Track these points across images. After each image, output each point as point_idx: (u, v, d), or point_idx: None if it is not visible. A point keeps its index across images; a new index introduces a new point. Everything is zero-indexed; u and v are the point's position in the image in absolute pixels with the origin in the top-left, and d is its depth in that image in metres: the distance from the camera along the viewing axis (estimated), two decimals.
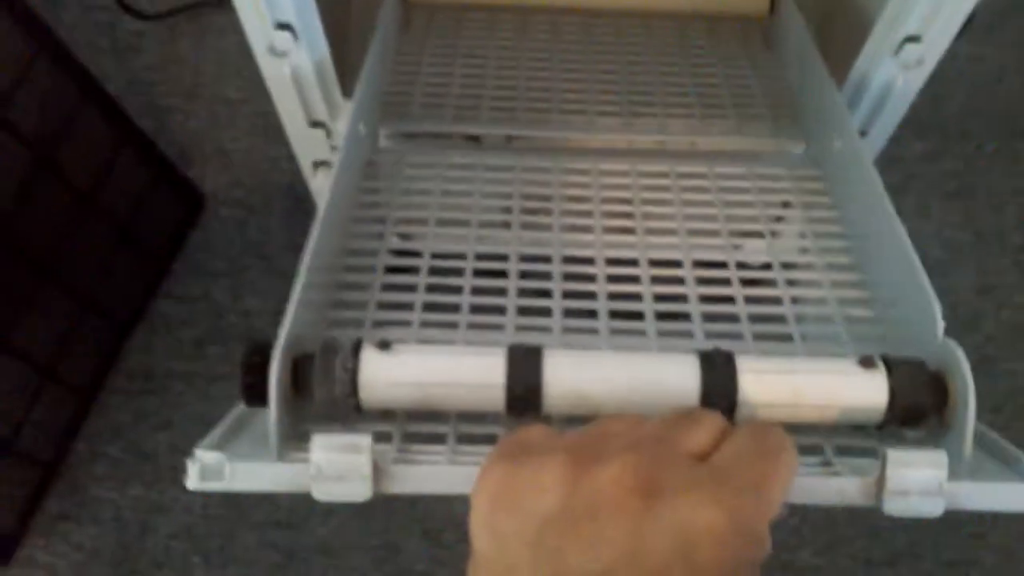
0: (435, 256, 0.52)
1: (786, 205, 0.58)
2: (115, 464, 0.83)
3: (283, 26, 0.55)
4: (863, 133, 0.62)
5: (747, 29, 0.73)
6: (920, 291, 0.42)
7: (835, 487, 0.34)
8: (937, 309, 0.40)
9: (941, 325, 0.40)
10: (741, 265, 0.52)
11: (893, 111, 0.61)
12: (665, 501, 0.26)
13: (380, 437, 0.36)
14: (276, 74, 0.58)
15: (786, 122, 0.63)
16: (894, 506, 0.34)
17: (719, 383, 0.38)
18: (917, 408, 0.38)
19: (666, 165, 0.59)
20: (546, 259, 0.52)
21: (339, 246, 0.51)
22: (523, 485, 0.28)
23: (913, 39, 0.56)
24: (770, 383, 0.38)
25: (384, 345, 0.39)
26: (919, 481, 0.33)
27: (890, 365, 0.38)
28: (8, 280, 0.70)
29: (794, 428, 0.39)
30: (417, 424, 0.41)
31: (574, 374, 0.38)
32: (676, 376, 0.38)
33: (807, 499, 0.34)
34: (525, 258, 0.52)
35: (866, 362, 0.39)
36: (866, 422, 0.39)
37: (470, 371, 0.38)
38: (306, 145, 0.65)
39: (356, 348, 0.39)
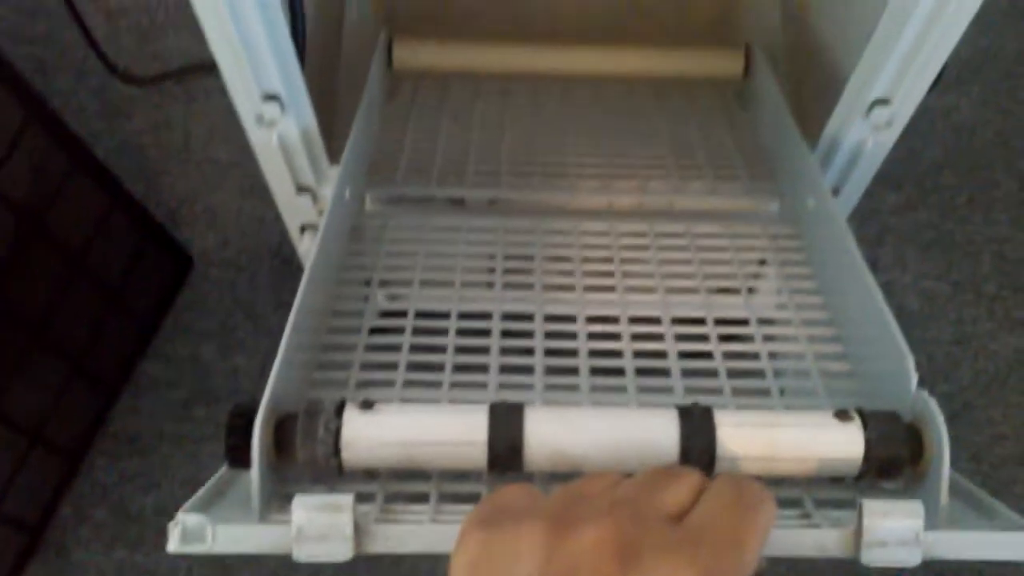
0: (419, 316, 0.53)
1: (762, 262, 0.59)
2: (100, 527, 0.83)
3: (270, 97, 0.56)
4: (836, 191, 0.63)
5: (723, 91, 0.75)
6: (893, 345, 0.42)
7: (813, 539, 0.35)
8: (910, 362, 0.41)
9: (914, 378, 0.41)
10: (720, 321, 0.53)
11: (865, 170, 0.63)
12: (643, 564, 0.26)
13: (363, 497, 0.37)
14: (263, 143, 0.59)
15: (761, 180, 0.64)
16: (872, 556, 0.34)
17: (698, 437, 0.39)
18: (893, 460, 0.38)
19: (645, 224, 0.60)
20: (528, 317, 0.53)
21: (324, 308, 0.52)
22: (501, 551, 0.28)
23: (882, 102, 0.58)
24: (748, 436, 0.39)
25: (367, 405, 0.39)
26: (896, 531, 0.34)
27: (865, 418, 0.39)
28: None
29: (773, 481, 0.40)
30: (400, 484, 0.42)
31: (555, 432, 0.39)
32: (656, 431, 0.39)
33: (786, 552, 0.35)
34: (507, 316, 0.53)
35: (842, 415, 0.39)
36: (843, 474, 0.39)
37: (452, 430, 0.39)
38: (293, 210, 0.66)
39: (339, 409, 0.39)
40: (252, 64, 0.53)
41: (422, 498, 0.40)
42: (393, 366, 0.48)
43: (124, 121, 1.07)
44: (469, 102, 0.74)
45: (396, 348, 0.50)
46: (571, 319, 0.53)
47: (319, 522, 0.34)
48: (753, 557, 0.29)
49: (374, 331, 0.52)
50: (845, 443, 0.38)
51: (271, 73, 0.54)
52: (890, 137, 0.61)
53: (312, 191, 0.65)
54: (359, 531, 0.34)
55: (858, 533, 0.34)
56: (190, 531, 0.34)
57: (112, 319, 0.86)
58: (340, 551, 0.34)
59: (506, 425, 0.39)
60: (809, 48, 0.70)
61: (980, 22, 0.50)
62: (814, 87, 0.67)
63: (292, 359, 0.42)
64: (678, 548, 0.27)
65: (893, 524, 0.34)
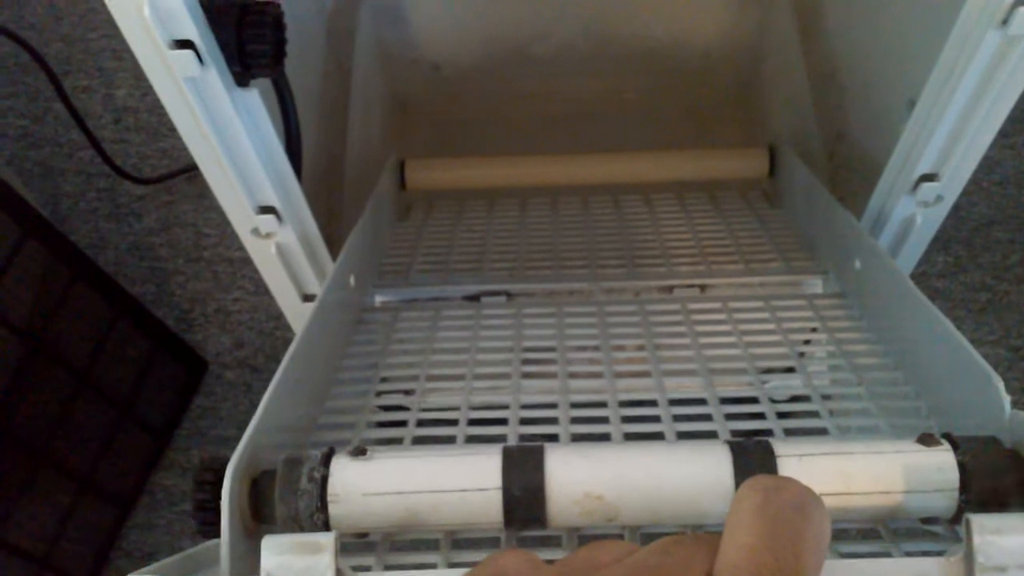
0: (429, 410, 0.47)
1: (807, 342, 0.53)
2: None
3: (266, 209, 0.53)
4: None
5: (748, 192, 0.72)
6: (976, 370, 0.36)
7: (913, 571, 0.28)
8: (999, 383, 0.35)
9: (1007, 399, 0.34)
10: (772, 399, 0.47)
11: (915, 246, 0.58)
12: None
13: (357, 570, 0.30)
14: (262, 254, 0.56)
15: (800, 261, 0.60)
16: None
17: (756, 471, 0.32)
18: (997, 489, 0.31)
19: (677, 304, 0.55)
20: (551, 406, 0.47)
21: (321, 379, 0.47)
22: None
23: (929, 177, 0.54)
24: (816, 469, 0.32)
25: (359, 452, 0.34)
26: (1017, 551, 0.27)
27: (955, 442, 0.32)
28: (1, 470, 0.66)
29: (844, 532, 0.33)
30: (401, 555, 0.35)
31: (583, 471, 0.32)
32: (705, 469, 0.32)
33: None
34: (527, 407, 0.47)
35: (926, 440, 0.32)
36: (934, 511, 0.32)
37: (459, 475, 0.33)
38: (300, 318, 0.62)
39: (326, 458, 0.33)
40: (243, 181, 0.50)
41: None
42: (398, 440, 0.43)
43: (134, 221, 1.03)
44: (485, 214, 0.71)
45: (402, 423, 0.44)
46: (601, 405, 0.47)
47: (294, 567, 0.27)
48: None
49: (378, 425, 0.47)
50: (936, 470, 0.32)
51: (264, 188, 0.51)
52: (940, 212, 0.56)
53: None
54: None
55: (968, 558, 0.27)
56: None
57: (123, 431, 0.81)
58: None
59: (523, 466, 0.32)
60: (844, 124, 0.67)
61: None
62: (852, 166, 0.64)
63: (279, 409, 0.37)
64: None
65: (1013, 542, 0.27)
